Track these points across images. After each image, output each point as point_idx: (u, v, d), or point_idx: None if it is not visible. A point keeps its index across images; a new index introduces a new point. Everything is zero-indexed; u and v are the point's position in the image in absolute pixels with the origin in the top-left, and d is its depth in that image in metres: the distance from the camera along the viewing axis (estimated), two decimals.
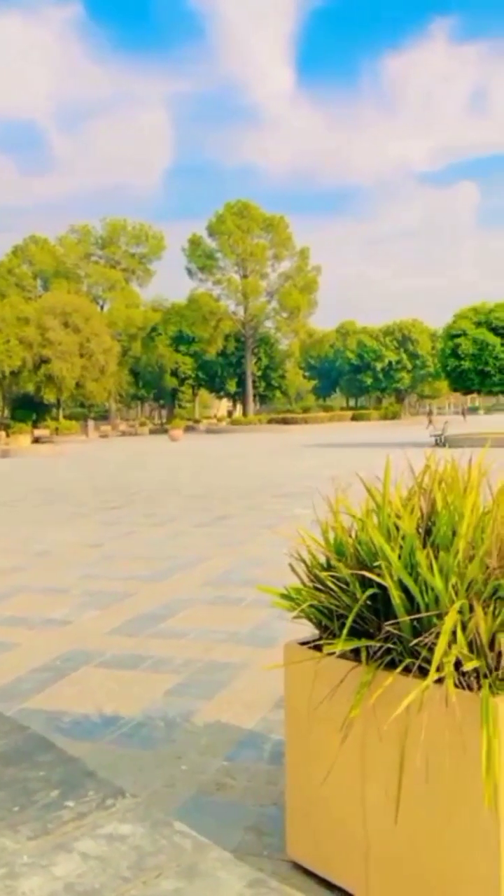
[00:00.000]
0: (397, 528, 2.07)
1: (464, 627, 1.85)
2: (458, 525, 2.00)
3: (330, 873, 2.11)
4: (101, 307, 62.84)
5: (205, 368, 65.23)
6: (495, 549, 1.97)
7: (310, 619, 2.25)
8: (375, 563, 2.02)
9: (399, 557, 1.99)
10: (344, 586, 2.12)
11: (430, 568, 1.89)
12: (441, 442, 24.92)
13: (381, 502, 2.18)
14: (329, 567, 2.22)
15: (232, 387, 66.87)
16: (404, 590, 1.95)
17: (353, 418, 61.09)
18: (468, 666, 1.77)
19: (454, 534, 2.01)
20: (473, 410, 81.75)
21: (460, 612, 1.85)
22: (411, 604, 1.95)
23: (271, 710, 3.33)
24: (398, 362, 72.11)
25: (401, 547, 2.01)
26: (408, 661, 1.91)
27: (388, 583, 1.93)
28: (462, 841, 1.80)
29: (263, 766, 2.85)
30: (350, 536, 2.23)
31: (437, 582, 1.87)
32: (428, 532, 2.13)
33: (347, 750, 2.03)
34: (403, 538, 2.02)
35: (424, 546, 2.03)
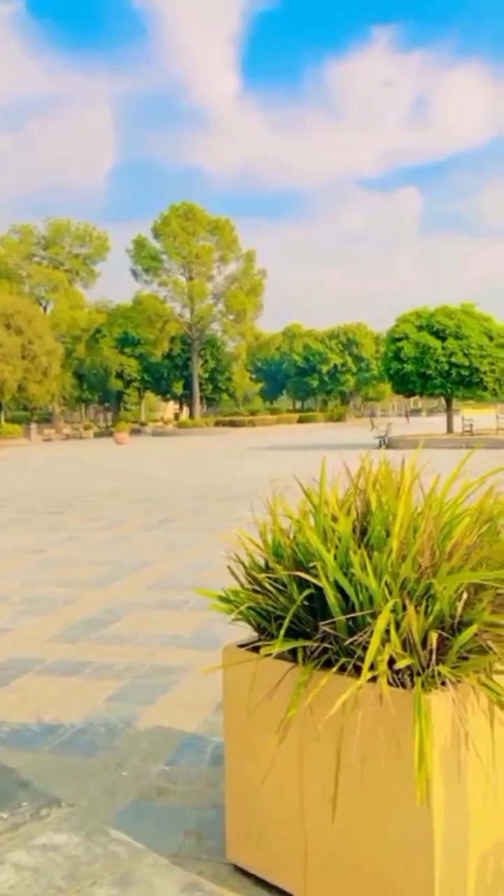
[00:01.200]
0: (333, 530, 2.09)
1: (397, 626, 1.88)
2: (391, 525, 2.04)
3: (268, 874, 2.12)
4: (45, 308, 61.77)
5: (151, 371, 64.77)
6: (427, 548, 2.01)
7: (248, 622, 2.26)
8: (312, 564, 2.03)
9: (335, 558, 2.01)
10: (281, 587, 2.13)
11: (364, 568, 1.91)
12: (385, 443, 25.33)
13: (318, 504, 2.20)
14: (267, 569, 2.23)
15: (178, 389, 66.60)
16: (340, 590, 1.98)
17: (300, 420, 61.55)
18: (401, 664, 1.80)
19: (388, 534, 2.04)
20: (416, 412, 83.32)
21: (394, 610, 1.88)
22: (347, 604, 1.98)
23: (213, 713, 3.32)
24: (343, 365, 72.97)
25: (336, 547, 2.04)
26: (343, 660, 1.93)
27: (323, 583, 1.95)
28: (397, 837, 1.83)
29: (205, 768, 2.85)
30: (288, 538, 2.25)
31: (371, 582, 1.89)
32: (363, 532, 2.16)
33: (285, 750, 2.04)
34: (339, 539, 2.04)
35: (360, 546, 2.06)
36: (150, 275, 60.97)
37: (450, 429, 30.77)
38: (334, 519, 2.16)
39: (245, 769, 2.17)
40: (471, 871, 1.88)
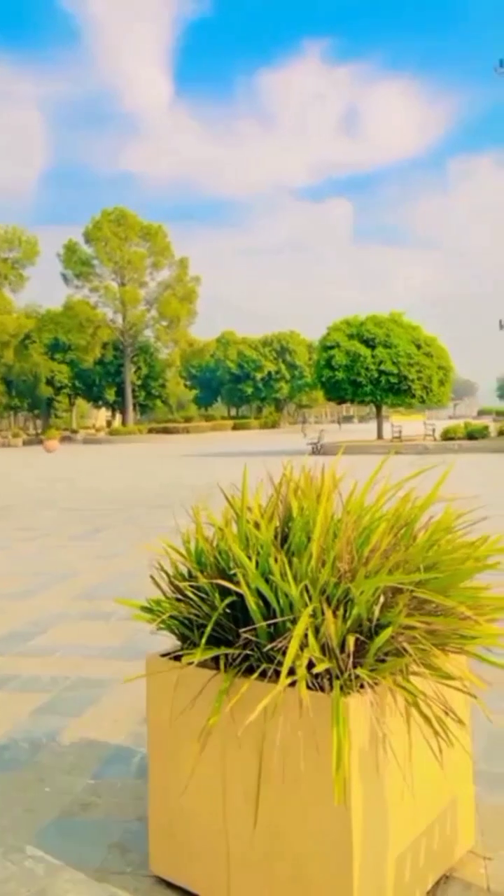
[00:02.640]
0: (256, 537, 2.11)
1: (317, 631, 1.91)
2: (311, 531, 2.07)
3: (192, 884, 2.11)
4: None
5: (82, 377, 63.70)
6: (346, 552, 2.05)
7: (172, 631, 2.25)
8: (233, 572, 2.05)
9: (257, 565, 2.03)
10: (204, 596, 2.13)
11: (284, 574, 1.94)
12: (317, 450, 25.65)
13: (240, 511, 2.21)
14: (190, 577, 2.23)
15: (111, 396, 65.70)
16: (262, 596, 1.99)
17: (235, 427, 61.64)
18: (319, 668, 1.82)
19: (309, 540, 2.07)
20: (349, 419, 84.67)
21: (313, 615, 1.91)
22: (269, 610, 2.00)
23: (141, 724, 3.29)
24: (277, 372, 73.55)
25: (258, 554, 2.06)
26: (264, 666, 1.94)
27: (244, 590, 1.96)
28: (317, 839, 1.85)
29: (130, 781, 2.81)
30: (211, 546, 2.25)
31: (291, 588, 1.92)
32: (285, 539, 2.19)
33: (208, 758, 2.05)
34: (261, 546, 2.06)
35: (281, 553, 2.08)
36: (82, 280, 60.10)
37: (380, 435, 31.40)
38: (256, 526, 2.18)
39: (168, 779, 2.16)
40: (389, 868, 1.92)
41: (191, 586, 2.16)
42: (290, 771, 1.88)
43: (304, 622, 1.83)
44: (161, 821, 2.19)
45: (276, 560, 1.98)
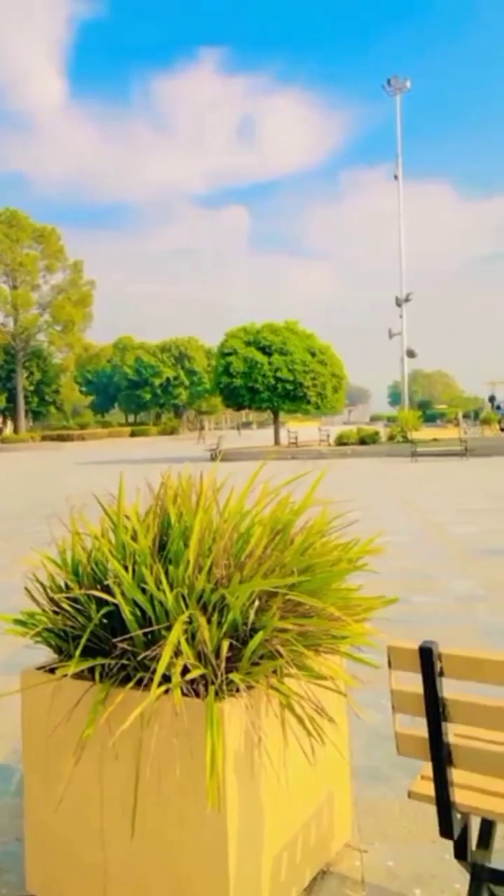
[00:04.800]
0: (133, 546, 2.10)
1: (193, 637, 1.92)
2: (189, 538, 2.08)
3: None
4: None
5: None
6: (222, 559, 2.07)
7: (49, 644, 2.21)
8: (107, 582, 2.03)
9: (134, 574, 2.02)
10: (80, 607, 2.10)
11: (159, 583, 1.94)
12: (216, 456, 25.71)
13: (117, 521, 2.20)
14: (67, 589, 2.19)
15: (1, 402, 63.34)
16: (139, 605, 1.99)
17: (132, 434, 60.88)
18: (194, 674, 1.84)
19: (186, 547, 2.08)
20: (248, 425, 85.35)
21: (189, 622, 1.92)
22: (146, 619, 1.99)
23: None
24: (176, 378, 73.27)
25: (135, 563, 2.05)
26: (140, 674, 1.94)
27: (119, 600, 1.95)
28: (193, 846, 1.86)
29: (9, 800, 2.73)
30: (88, 556, 2.22)
31: (166, 596, 1.92)
32: (163, 546, 2.19)
33: (84, 771, 2.01)
34: (137, 555, 2.05)
35: (159, 561, 2.08)
36: None
37: (277, 441, 31.85)
38: (134, 535, 2.17)
39: (44, 795, 2.11)
40: (266, 868, 1.96)
41: (67, 598, 2.13)
42: (165, 779, 1.88)
43: (177, 629, 1.83)
44: (37, 838, 2.14)
45: (150, 569, 1.98)
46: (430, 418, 51.04)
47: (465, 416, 43.78)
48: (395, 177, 38.87)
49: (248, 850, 1.88)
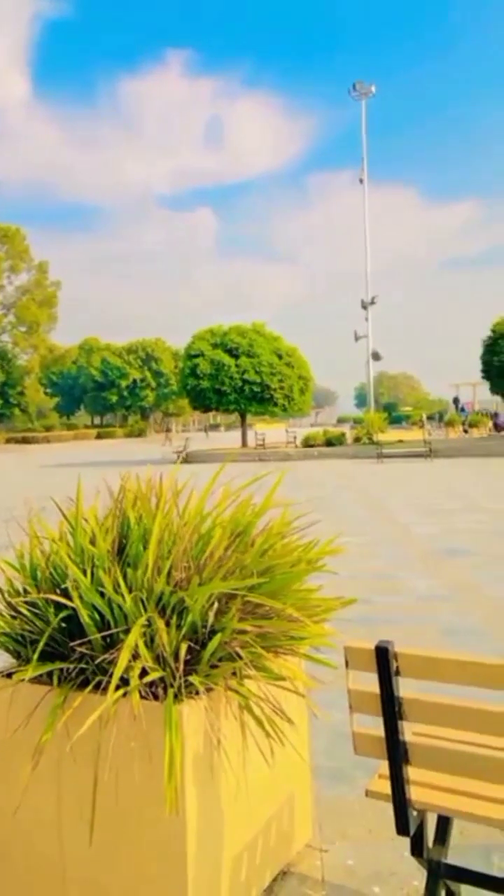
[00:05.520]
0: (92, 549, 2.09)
1: (153, 640, 1.92)
2: (148, 542, 2.07)
3: None
4: None
5: None
6: (182, 562, 2.07)
7: (6, 649, 2.18)
8: (65, 586, 2.01)
9: (93, 579, 2.01)
10: (38, 611, 2.08)
11: (117, 586, 1.93)
12: (182, 458, 25.64)
13: (75, 524, 2.18)
14: (25, 593, 2.17)
15: None
16: (98, 609, 1.97)
17: (99, 436, 60.40)
18: (151, 677, 1.83)
19: (145, 550, 2.08)
20: (215, 427, 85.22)
21: (148, 625, 1.92)
22: (105, 622, 1.98)
23: None
24: (143, 380, 72.87)
25: (93, 566, 2.04)
26: (98, 678, 1.93)
27: (77, 604, 1.94)
28: (151, 847, 1.85)
29: None
30: (46, 560, 2.20)
31: (125, 599, 1.91)
32: (122, 550, 2.18)
33: (43, 776, 2.00)
34: (95, 559, 2.04)
35: (118, 564, 2.07)
36: None
37: (244, 443, 31.87)
38: (93, 538, 2.15)
39: (2, 799, 2.09)
40: (225, 871, 1.96)
41: (24, 602, 2.11)
42: (124, 783, 1.87)
43: (135, 633, 1.83)
44: None
45: (108, 572, 1.97)
46: (395, 420, 51.50)
47: (430, 417, 44.25)
48: (361, 181, 39.17)
49: (207, 852, 1.88)
